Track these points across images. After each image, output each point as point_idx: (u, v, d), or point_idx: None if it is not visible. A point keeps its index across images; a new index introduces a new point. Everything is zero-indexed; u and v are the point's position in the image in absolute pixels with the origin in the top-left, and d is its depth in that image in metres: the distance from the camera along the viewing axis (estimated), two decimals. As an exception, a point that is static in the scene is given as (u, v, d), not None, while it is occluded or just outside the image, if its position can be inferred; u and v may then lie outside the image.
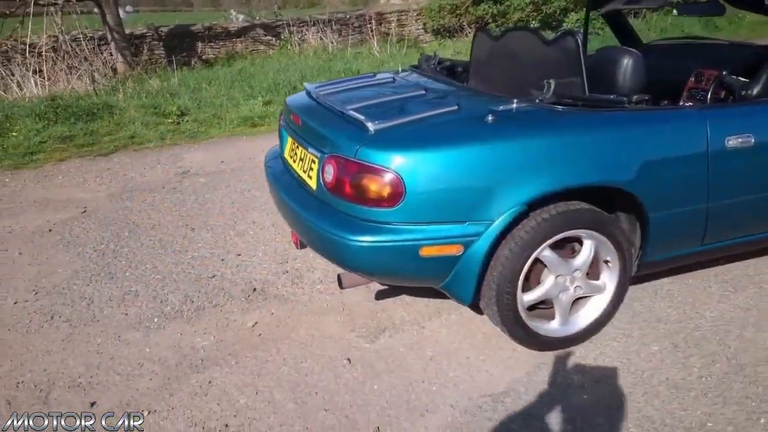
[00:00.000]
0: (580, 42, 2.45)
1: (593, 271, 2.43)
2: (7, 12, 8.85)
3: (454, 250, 2.16)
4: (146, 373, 2.33)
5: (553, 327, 2.40)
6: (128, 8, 12.40)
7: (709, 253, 2.69)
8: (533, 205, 2.18)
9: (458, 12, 13.67)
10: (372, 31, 13.58)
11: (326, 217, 2.27)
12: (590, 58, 2.85)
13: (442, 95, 2.54)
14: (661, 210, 2.36)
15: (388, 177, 2.09)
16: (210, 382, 2.27)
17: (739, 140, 2.40)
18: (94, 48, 8.97)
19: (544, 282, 2.33)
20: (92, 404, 2.16)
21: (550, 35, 2.66)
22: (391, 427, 2.03)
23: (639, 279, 2.85)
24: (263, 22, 11.87)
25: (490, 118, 2.22)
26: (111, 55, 9.22)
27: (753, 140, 2.41)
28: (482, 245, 2.15)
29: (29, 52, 7.66)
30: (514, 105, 2.31)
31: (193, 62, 10.46)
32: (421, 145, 2.15)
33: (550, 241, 2.24)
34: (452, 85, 2.75)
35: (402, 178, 2.09)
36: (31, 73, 7.47)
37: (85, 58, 8.45)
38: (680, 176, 2.36)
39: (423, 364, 2.36)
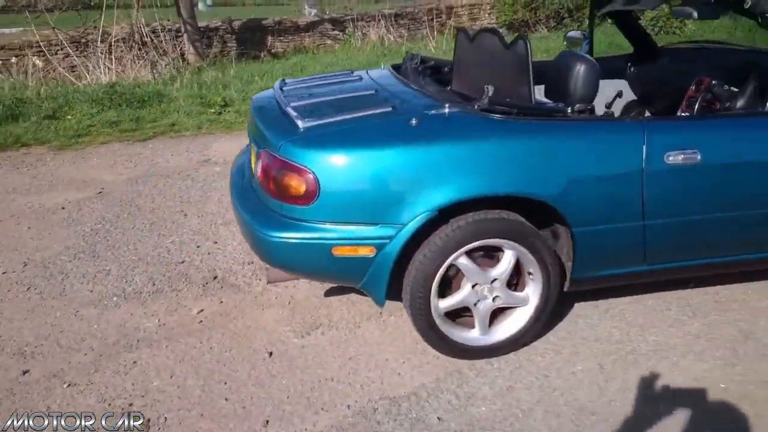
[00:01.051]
0: (529, 48, 2.38)
1: (520, 282, 2.36)
2: (91, 3, 9.57)
3: (367, 252, 2.16)
4: (84, 348, 2.49)
5: (472, 335, 2.35)
6: (208, 1, 12.96)
7: (662, 274, 2.53)
8: (448, 212, 2.14)
9: (533, 5, 13.31)
10: (442, 25, 13.48)
11: (254, 211, 2.34)
12: (551, 63, 2.76)
13: (388, 96, 2.52)
14: (587, 225, 2.25)
15: (304, 174, 2.12)
16: (135, 363, 2.39)
17: (682, 156, 2.23)
18: (172, 39, 9.53)
19: (462, 289, 2.28)
20: (25, 372, 2.34)
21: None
22: (281, 422, 2.07)
23: (595, 296, 2.72)
24: (332, 16, 12.09)
25: (413, 121, 2.19)
26: (183, 46, 9.73)
27: (699, 157, 2.24)
28: (393, 248, 2.14)
29: (101, 42, 8.22)
30: (446, 109, 2.27)
31: (262, 55, 10.81)
32: (339, 145, 2.16)
33: (464, 249, 2.19)
34: (410, 87, 2.71)
35: (317, 177, 2.11)
36: (102, 62, 8.03)
37: (155, 48, 8.97)
38: (609, 191, 2.23)
39: (341, 363, 2.37)
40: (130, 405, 2.15)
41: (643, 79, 3.57)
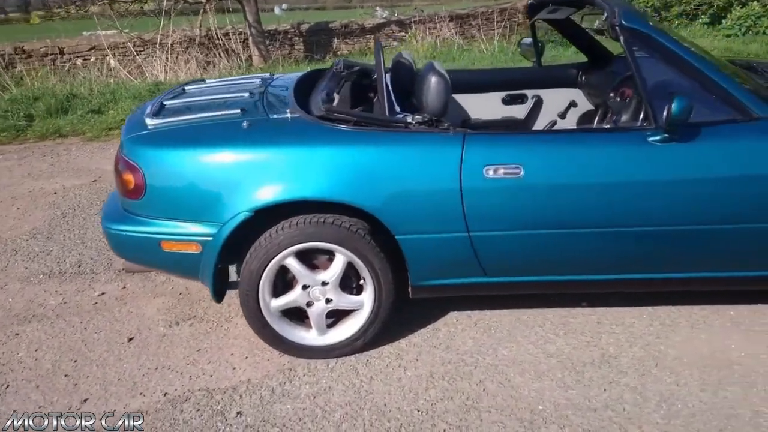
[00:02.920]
0: (381, 58, 2.38)
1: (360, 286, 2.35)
2: (165, 10, 10.33)
3: (193, 248, 2.26)
4: (-15, 318, 2.78)
5: (309, 336, 2.37)
6: (283, 6, 13.54)
7: (511, 288, 2.43)
8: (267, 212, 2.19)
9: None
10: (518, 25, 13.19)
11: (109, 204, 2.51)
12: (418, 73, 2.75)
13: (252, 101, 2.55)
14: (411, 234, 2.22)
15: (133, 171, 2.26)
16: (17, 334, 2.64)
17: (503, 171, 2.13)
18: (242, 42, 10.11)
19: (294, 290, 2.31)
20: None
21: None
22: (98, 401, 2.21)
23: (471, 306, 2.65)
24: (399, 18, 12.19)
25: (245, 124, 2.26)
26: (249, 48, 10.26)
27: (522, 172, 2.12)
28: (214, 246, 2.22)
29: (161, 43, 8.86)
30: (288, 115, 2.32)
31: (327, 57, 11.14)
32: (166, 145, 2.27)
33: (290, 250, 2.23)
34: (289, 92, 2.66)
35: (143, 173, 2.24)
36: (161, 62, 8.65)
37: (226, 50, 9.53)
38: (430, 202, 2.19)
39: (187, 353, 2.48)
40: (-13, 371, 2.38)
41: (594, 88, 3.38)
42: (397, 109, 2.55)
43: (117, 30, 10.03)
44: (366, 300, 2.33)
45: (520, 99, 3.51)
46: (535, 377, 2.27)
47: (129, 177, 2.26)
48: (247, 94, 2.63)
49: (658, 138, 2.13)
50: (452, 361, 2.37)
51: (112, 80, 8.25)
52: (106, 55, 9.37)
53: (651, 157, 2.14)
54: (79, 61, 9.68)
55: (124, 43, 9.42)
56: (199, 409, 2.15)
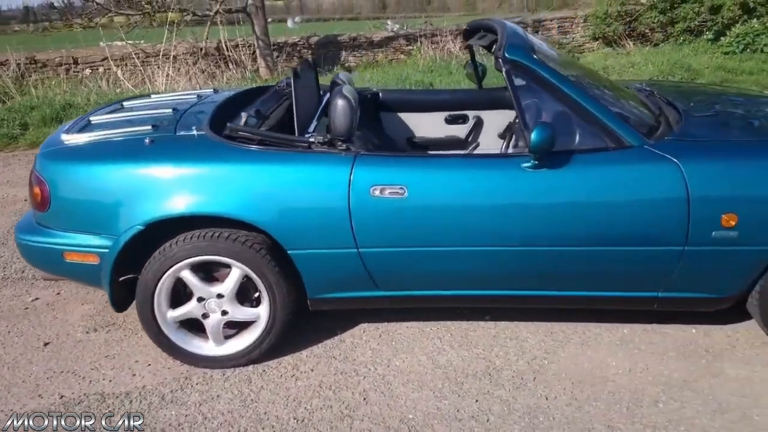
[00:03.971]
0: (292, 81, 2.48)
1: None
2: (175, 22, 10.63)
3: (92, 260, 2.37)
4: None
5: (206, 345, 2.46)
6: (297, 19, 13.76)
7: (406, 301, 2.51)
8: (166, 227, 2.29)
9: (627, 19, 12.59)
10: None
11: (26, 217, 2.64)
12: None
13: (172, 117, 2.66)
14: (302, 249, 2.30)
15: (40, 184, 2.39)
16: (-58, 335, 2.79)
17: (388, 191, 2.20)
18: (251, 54, 10.36)
19: (190, 302, 2.40)
20: None
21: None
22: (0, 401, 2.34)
23: (380, 319, 2.72)
24: (407, 32, 12.29)
25: (147, 141, 2.37)
26: (256, 60, 10.49)
27: (406, 193, 2.19)
28: (110, 258, 2.32)
29: (163, 55, 9.12)
30: (195, 132, 2.43)
31: (335, 69, 11.29)
32: (73, 160, 2.40)
33: (184, 263, 2.32)
34: (211, 109, 2.75)
35: (49, 187, 2.37)
36: (164, 73, 8.91)
37: (234, 62, 9.77)
38: (320, 219, 2.27)
39: (95, 359, 2.58)
40: None
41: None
42: (311, 129, 2.63)
43: (132, 41, 10.37)
44: (262, 312, 2.41)
45: (462, 119, 3.58)
46: (417, 387, 2.32)
47: (37, 190, 2.39)
48: (171, 111, 2.74)
49: (529, 165, 2.18)
50: (345, 371, 2.44)
51: (117, 90, 8.53)
52: (118, 65, 9.69)
53: (523, 182, 2.21)
54: (87, 71, 10.02)
55: (132, 53, 9.72)
56: (88, 411, 2.25)
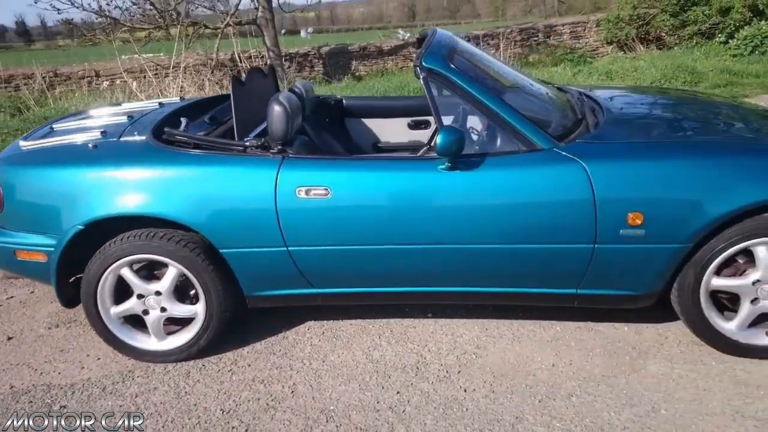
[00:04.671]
0: (231, 87, 2.61)
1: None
2: (189, 35, 10.97)
3: (40, 257, 2.53)
4: None
5: (148, 341, 2.59)
6: (309, 29, 14.06)
7: (342, 299, 2.59)
8: (106, 226, 2.44)
9: (639, 23, 12.51)
10: (538, 44, 13.23)
11: None
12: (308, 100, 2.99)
13: (123, 125, 2.81)
14: (234, 248, 2.41)
15: (-6, 187, 2.57)
16: None
17: (313, 192, 2.31)
18: (264, 64, 10.61)
19: (131, 299, 2.54)
20: None
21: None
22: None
23: (321, 317, 2.81)
24: (415, 40, 12.40)
25: (90, 145, 2.53)
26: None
27: (330, 194, 2.30)
28: (55, 256, 2.48)
29: (173, 67, 9.42)
30: (137, 138, 2.58)
31: (345, 78, 11.48)
32: (23, 164, 2.57)
33: (122, 261, 2.46)
34: (162, 115, 2.93)
35: (2, 189, 2.54)
36: (177, 85, 9.20)
37: (238, 72, 10.04)
38: (249, 219, 2.38)
39: (50, 352, 2.73)
40: None
41: None
42: (253, 134, 2.75)
43: (151, 54, 10.75)
44: (199, 310, 2.53)
45: (424, 125, 3.67)
46: (345, 381, 2.41)
47: (-8, 193, 2.57)
48: (126, 118, 2.91)
49: (443, 167, 2.27)
50: (281, 366, 2.54)
51: (130, 101, 8.85)
52: (137, 78, 10.06)
53: (438, 183, 2.29)
54: (105, 84, 10.40)
55: (145, 66, 10.05)
56: (31, 401, 2.40)
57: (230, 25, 10.05)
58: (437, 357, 2.53)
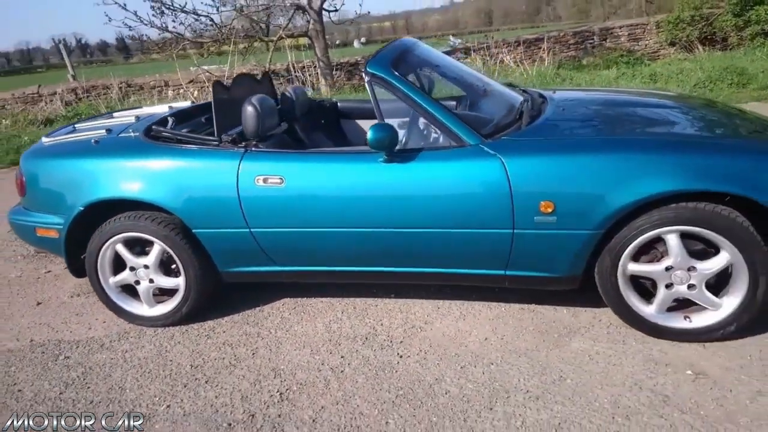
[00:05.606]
0: (211, 91, 3.00)
1: None
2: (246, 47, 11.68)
3: (53, 234, 3.02)
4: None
5: (141, 307, 3.03)
6: (362, 40, 14.57)
7: (305, 276, 2.91)
8: (103, 208, 2.89)
9: (701, 24, 12.18)
10: (593, 47, 13.12)
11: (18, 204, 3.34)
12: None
13: (127, 124, 3.26)
14: (205, 228, 2.80)
15: (20, 176, 3.08)
16: (-29, 297, 3.57)
17: (269, 180, 2.66)
18: (316, 73, 11.23)
19: (125, 271, 2.97)
20: None
21: None
22: (-13, 343, 3.02)
23: (297, 294, 3.16)
24: (465, 46, 12.60)
25: (93, 141, 3.00)
26: (318, 79, 11.30)
27: (283, 183, 2.64)
28: (63, 232, 2.95)
29: (227, 78, 10.09)
30: (132, 134, 3.03)
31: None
32: (41, 157, 3.07)
33: (116, 239, 2.90)
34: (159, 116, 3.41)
35: (24, 177, 3.06)
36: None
37: (291, 80, 10.65)
38: (216, 203, 2.75)
39: (69, 316, 3.22)
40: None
41: None
42: (235, 132, 3.12)
43: (215, 65, 11.59)
44: (180, 283, 2.93)
45: None
46: (301, 347, 2.74)
47: (18, 181, 3.09)
48: (134, 119, 3.38)
49: (382, 159, 2.56)
50: (251, 333, 2.90)
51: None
52: (202, 87, 10.88)
53: (378, 174, 2.58)
54: (170, 92, 11.27)
55: (208, 76, 10.82)
56: (44, 352, 2.87)
57: (282, 38, 10.62)
58: (387, 330, 2.81)
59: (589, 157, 2.41)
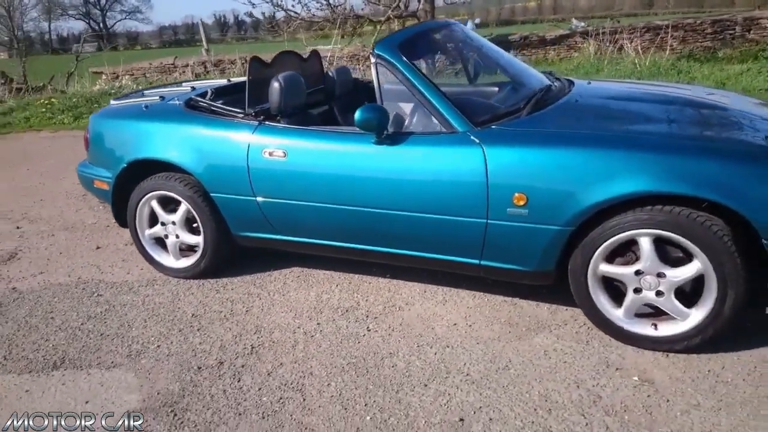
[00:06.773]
0: (248, 67, 3.27)
1: None
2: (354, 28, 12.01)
3: (105, 186, 3.48)
4: None
5: (169, 259, 3.41)
6: (477, 20, 14.33)
7: (301, 247, 3.11)
8: (143, 167, 3.29)
9: None
10: (732, 38, 12.04)
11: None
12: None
13: (184, 93, 3.64)
14: (220, 193, 3.11)
15: (86, 133, 3.59)
16: (52, 235, 4.18)
17: (275, 153, 2.89)
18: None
19: (157, 225, 3.37)
20: None
21: None
22: (49, 269, 3.57)
23: (294, 263, 3.41)
24: (585, 29, 12.06)
25: (144, 106, 3.41)
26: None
27: (286, 156, 2.86)
28: (111, 185, 3.40)
29: (330, 56, 10.49)
30: (177, 102, 3.40)
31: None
32: (103, 117, 3.54)
33: (150, 196, 3.29)
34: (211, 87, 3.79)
35: (90, 135, 3.55)
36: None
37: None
38: (229, 170, 3.02)
39: (115, 261, 3.69)
40: None
41: None
42: (259, 106, 3.36)
43: (335, 45, 12.12)
44: (200, 240, 3.27)
45: None
46: (287, 311, 2.98)
47: (84, 137, 3.59)
48: (189, 89, 3.77)
49: (373, 141, 2.68)
50: (252, 293, 3.18)
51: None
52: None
53: (369, 155, 2.72)
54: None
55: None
56: (84, 289, 3.35)
57: (390, 18, 10.82)
58: (369, 305, 2.97)
59: (563, 151, 2.38)
